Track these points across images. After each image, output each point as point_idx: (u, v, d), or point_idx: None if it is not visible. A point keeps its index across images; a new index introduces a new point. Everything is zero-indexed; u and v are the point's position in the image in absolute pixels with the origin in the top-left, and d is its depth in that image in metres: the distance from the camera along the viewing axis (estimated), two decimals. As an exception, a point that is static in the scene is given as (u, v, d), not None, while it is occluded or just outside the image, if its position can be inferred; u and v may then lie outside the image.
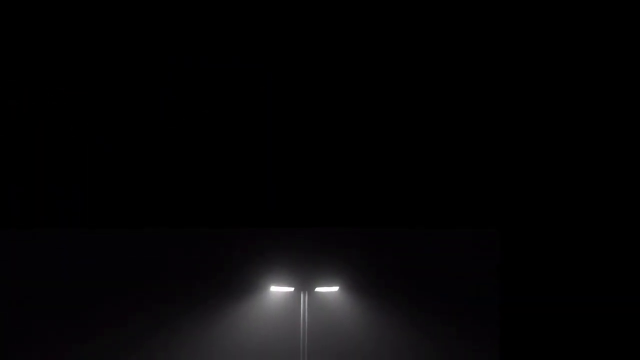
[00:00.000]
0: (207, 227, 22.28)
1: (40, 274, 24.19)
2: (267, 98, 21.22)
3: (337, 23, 21.16)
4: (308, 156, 21.88)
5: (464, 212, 22.17)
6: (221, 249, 25.18)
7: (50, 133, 20.66)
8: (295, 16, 21.16)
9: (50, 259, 24.33)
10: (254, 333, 25.00)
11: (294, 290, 25.01)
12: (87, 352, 24.26)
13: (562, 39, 20.93)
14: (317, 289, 25.05)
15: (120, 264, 24.76)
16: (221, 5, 20.95)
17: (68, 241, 24.20)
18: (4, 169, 20.51)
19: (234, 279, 25.19)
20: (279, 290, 24.93)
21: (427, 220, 22.18)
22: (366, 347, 25.33)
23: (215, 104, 21.62)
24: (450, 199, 21.93)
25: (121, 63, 21.12)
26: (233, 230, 24.28)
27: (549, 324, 21.13)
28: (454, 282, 25.58)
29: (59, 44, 20.95)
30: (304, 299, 24.82)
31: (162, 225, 21.70)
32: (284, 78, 21.52)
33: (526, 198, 21.46)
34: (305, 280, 25.13)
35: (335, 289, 25.13)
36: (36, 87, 20.61)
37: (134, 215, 21.51)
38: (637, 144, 20.19)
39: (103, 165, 20.76)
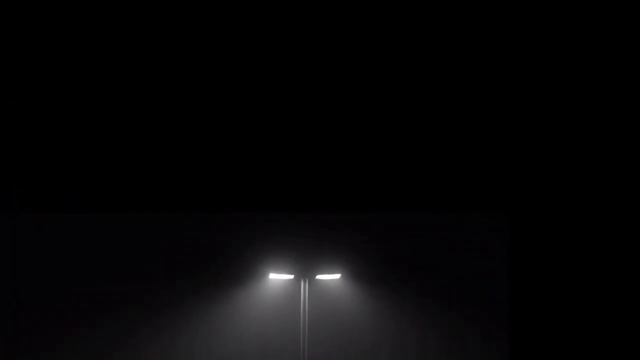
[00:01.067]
0: (203, 211, 22.15)
1: (38, 266, 24.06)
2: (268, 95, 21.58)
3: (334, 22, 20.43)
4: (310, 137, 21.81)
5: (472, 196, 21.91)
6: (218, 235, 24.83)
7: (50, 133, 21.01)
8: (294, 16, 20.79)
9: (47, 248, 24.17)
10: (252, 322, 24.48)
11: (294, 277, 24.47)
12: (81, 340, 23.94)
13: (572, 30, 20.74)
14: (318, 277, 24.45)
15: (115, 250, 24.50)
16: (221, 6, 20.98)
17: (65, 228, 24.16)
18: (4, 169, 20.72)
19: (231, 266, 24.70)
20: (278, 277, 24.37)
21: (435, 205, 21.98)
22: (369, 337, 24.83)
23: (215, 103, 21.79)
24: (459, 183, 21.77)
25: (121, 62, 21.12)
26: (230, 215, 24.40)
27: (558, 319, 20.81)
28: (462, 270, 25.15)
29: (59, 44, 20.97)
30: (304, 287, 24.26)
31: (157, 211, 21.77)
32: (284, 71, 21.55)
33: (537, 184, 21.14)
34: (305, 267, 24.59)
35: (337, 276, 24.47)
36: (36, 87, 20.82)
37: (132, 209, 21.69)
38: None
39: (103, 163, 21.39)
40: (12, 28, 20.70)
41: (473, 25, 20.86)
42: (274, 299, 24.59)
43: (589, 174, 20.76)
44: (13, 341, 23.63)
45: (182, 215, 23.75)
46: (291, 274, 24.39)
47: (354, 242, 24.98)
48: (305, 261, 24.67)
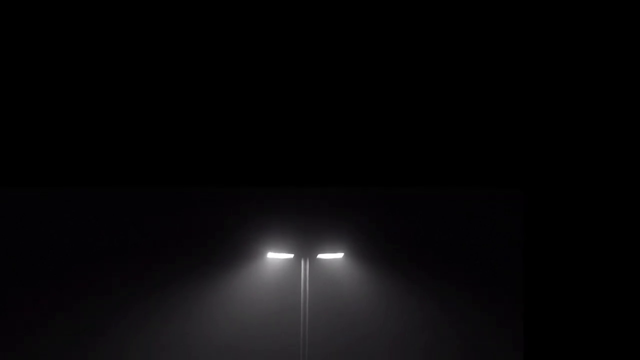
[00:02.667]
0: (197, 185, 20.39)
1: (25, 241, 24.06)
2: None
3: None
4: (312, 100, 20.10)
5: (487, 172, 20.40)
6: (211, 210, 24.25)
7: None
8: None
9: (37, 223, 24.11)
10: (248, 305, 24.27)
11: (294, 257, 23.94)
12: (77, 315, 23.89)
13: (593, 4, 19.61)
14: (320, 256, 23.93)
15: (102, 226, 24.27)
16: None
17: (56, 202, 24.07)
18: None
19: (227, 245, 24.41)
20: (276, 257, 23.86)
21: (447, 180, 20.37)
22: (373, 320, 24.57)
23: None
24: (472, 155, 20.17)
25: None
26: (223, 189, 23.63)
27: (576, 303, 18.76)
28: (474, 248, 24.75)
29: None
30: (304, 266, 23.78)
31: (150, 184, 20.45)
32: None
33: (554, 160, 19.52)
34: (306, 245, 24.11)
35: (339, 255, 23.96)
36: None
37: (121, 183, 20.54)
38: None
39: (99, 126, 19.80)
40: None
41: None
42: (272, 280, 24.31)
43: (606, 150, 19.14)
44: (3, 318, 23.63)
45: (171, 188, 22.93)
46: (291, 253, 23.88)
47: (358, 219, 24.51)
48: (306, 239, 24.24)
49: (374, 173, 20.46)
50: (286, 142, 20.19)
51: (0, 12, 18.78)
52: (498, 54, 19.93)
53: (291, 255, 23.88)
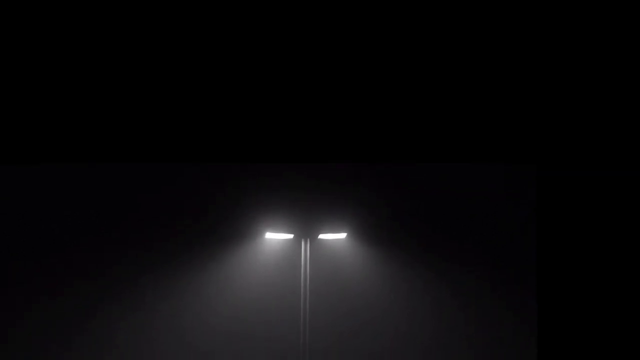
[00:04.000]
0: (191, 160, 21.60)
1: (28, 216, 23.88)
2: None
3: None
4: (315, 71, 21.37)
5: (499, 146, 21.66)
6: (207, 187, 24.09)
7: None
8: None
9: (38, 198, 23.94)
10: (245, 287, 23.87)
11: (294, 237, 23.50)
12: (68, 296, 23.63)
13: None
14: (321, 236, 23.45)
15: (95, 200, 24.05)
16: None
17: (54, 175, 23.91)
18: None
19: (222, 224, 24.04)
20: (275, 237, 23.45)
21: (457, 155, 21.74)
22: (378, 304, 24.19)
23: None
24: (484, 131, 21.54)
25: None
26: (219, 165, 23.75)
27: (591, 278, 20.21)
28: (486, 226, 24.45)
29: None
30: (305, 247, 23.27)
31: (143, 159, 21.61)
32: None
33: (565, 134, 20.91)
34: (306, 225, 23.72)
35: (342, 235, 23.50)
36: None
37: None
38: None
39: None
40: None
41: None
42: (270, 262, 23.91)
43: (619, 125, 20.61)
44: (9, 293, 23.49)
45: (162, 164, 23.18)
46: (290, 233, 23.43)
47: (362, 197, 24.17)
48: (307, 218, 23.84)
49: (381, 148, 22.12)
50: (286, 114, 21.75)
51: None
52: (512, 32, 21.10)
53: (291, 236, 23.47)
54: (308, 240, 23.37)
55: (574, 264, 20.24)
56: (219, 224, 23.98)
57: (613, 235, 20.22)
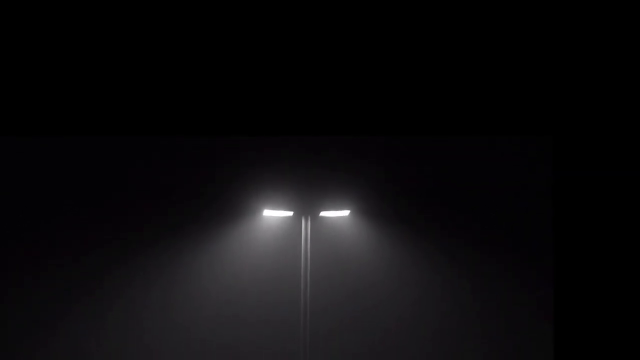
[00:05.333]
0: (186, 134, 21.28)
1: (26, 189, 23.80)
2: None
3: None
4: (318, 38, 21.28)
5: (514, 118, 21.44)
6: (202, 162, 24.07)
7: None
8: None
9: (31, 172, 23.84)
10: (242, 268, 23.82)
11: (293, 214, 23.41)
12: (57, 276, 23.55)
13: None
14: (322, 214, 23.32)
15: (86, 176, 23.92)
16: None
17: (36, 149, 23.79)
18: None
19: (219, 200, 23.96)
20: (274, 215, 23.33)
21: (470, 127, 21.49)
22: (383, 285, 24.09)
23: None
24: (499, 102, 21.36)
25: None
26: (214, 138, 23.94)
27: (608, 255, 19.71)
28: (497, 204, 24.36)
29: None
30: (305, 225, 23.12)
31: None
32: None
33: (582, 106, 20.63)
34: (307, 202, 23.61)
35: (345, 213, 23.36)
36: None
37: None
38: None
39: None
40: None
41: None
42: (269, 241, 23.92)
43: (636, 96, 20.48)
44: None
45: (153, 136, 23.25)
46: (290, 210, 23.36)
47: (366, 172, 24.20)
48: (307, 195, 23.82)
49: (387, 120, 21.63)
50: (285, 83, 21.27)
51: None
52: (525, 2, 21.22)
53: (290, 213, 23.34)
54: (309, 218, 23.17)
55: (594, 244, 19.72)
56: (213, 201, 23.94)
57: (638, 213, 19.91)
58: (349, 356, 23.68)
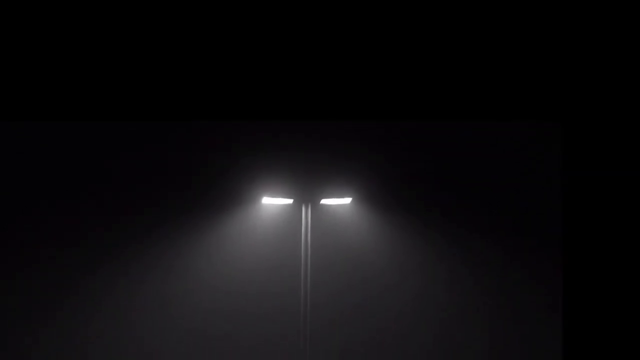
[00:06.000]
0: (181, 118, 21.54)
1: (20, 174, 23.76)
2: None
3: None
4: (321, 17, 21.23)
5: (523, 104, 21.51)
6: (198, 147, 23.95)
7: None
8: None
9: (29, 157, 23.81)
10: (240, 257, 23.80)
11: (293, 202, 23.35)
12: (47, 266, 23.52)
13: None
14: (324, 201, 23.30)
15: (76, 160, 23.81)
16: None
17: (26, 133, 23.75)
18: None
19: (216, 187, 23.87)
20: (273, 202, 23.30)
21: (479, 112, 21.60)
22: (386, 275, 23.96)
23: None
24: (508, 88, 21.48)
25: None
26: (208, 123, 23.77)
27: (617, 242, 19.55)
28: (504, 191, 24.25)
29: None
30: (305, 213, 23.01)
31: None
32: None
33: (591, 92, 20.63)
34: (307, 189, 23.50)
35: (346, 200, 23.33)
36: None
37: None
38: None
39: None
40: None
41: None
42: (268, 229, 23.81)
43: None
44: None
45: (146, 120, 23.23)
46: (289, 197, 23.24)
47: (369, 158, 24.11)
48: (308, 182, 23.74)
49: (390, 104, 21.60)
50: (285, 66, 21.18)
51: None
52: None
53: (290, 201, 23.28)
54: (309, 205, 23.08)
55: (605, 232, 19.53)
56: (210, 189, 23.91)
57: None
58: (350, 348, 23.56)
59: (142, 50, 20.95)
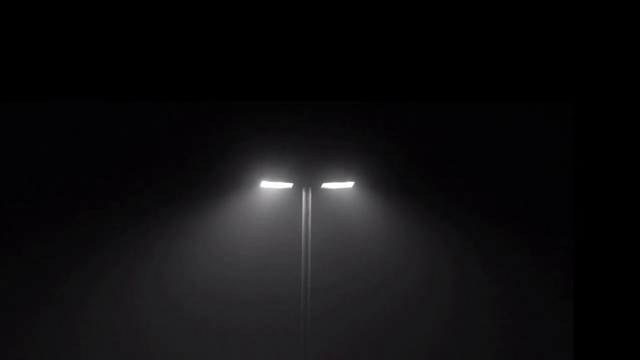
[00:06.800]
0: (176, 98, 21.73)
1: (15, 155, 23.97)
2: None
3: None
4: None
5: (534, 83, 21.51)
6: (194, 129, 23.92)
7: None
8: None
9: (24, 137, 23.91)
10: (238, 244, 23.79)
11: (293, 186, 23.07)
12: (37, 252, 23.53)
13: None
14: (325, 185, 23.00)
15: (65, 139, 23.82)
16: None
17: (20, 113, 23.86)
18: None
19: (212, 171, 23.93)
20: (272, 187, 23.06)
21: (490, 92, 21.65)
22: (390, 263, 23.85)
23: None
24: (519, 67, 21.45)
25: None
26: (210, 104, 23.82)
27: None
28: (513, 174, 24.15)
29: None
30: (306, 198, 22.58)
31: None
32: None
33: (603, 71, 20.58)
34: (308, 172, 23.14)
35: (348, 184, 23.03)
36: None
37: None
38: None
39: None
40: None
41: None
42: (266, 215, 23.78)
43: None
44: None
45: (141, 100, 22.96)
46: (289, 181, 22.93)
47: (372, 140, 24.13)
48: (308, 165, 23.72)
49: (395, 84, 21.60)
50: (285, 44, 21.25)
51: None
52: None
53: (290, 185, 23.00)
54: (310, 190, 22.78)
55: (617, 216, 19.31)
56: (206, 172, 23.96)
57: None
58: (352, 337, 23.48)
59: (136, 28, 20.89)
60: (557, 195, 23.74)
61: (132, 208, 23.70)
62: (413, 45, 21.43)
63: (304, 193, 22.83)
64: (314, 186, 23.28)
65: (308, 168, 23.62)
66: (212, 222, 23.61)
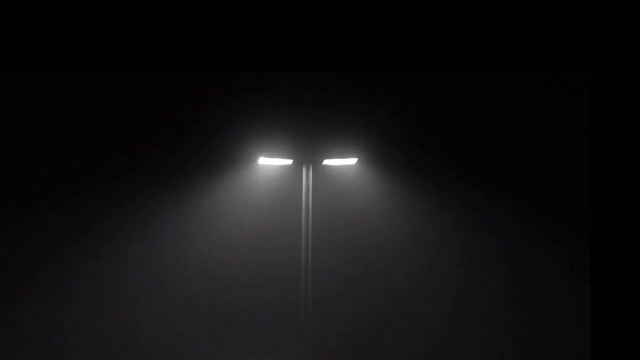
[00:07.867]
0: (170, 70, 21.76)
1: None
2: None
3: None
4: None
5: (551, 53, 21.64)
6: (189, 103, 23.63)
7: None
8: None
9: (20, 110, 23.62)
10: (235, 223, 23.50)
11: (293, 163, 22.65)
12: (25, 233, 23.10)
13: None
14: (326, 162, 22.64)
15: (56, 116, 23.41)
16: None
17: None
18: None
19: (208, 146, 23.74)
20: (271, 163, 22.66)
21: (504, 63, 21.75)
22: (396, 244, 23.55)
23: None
24: (535, 37, 21.64)
25: None
26: (205, 75, 23.60)
27: None
28: (526, 150, 23.86)
29: None
30: (306, 175, 22.27)
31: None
32: None
33: (622, 40, 20.10)
34: (309, 148, 22.86)
35: (351, 161, 22.67)
36: None
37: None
38: None
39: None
40: None
41: None
42: (265, 193, 23.60)
43: None
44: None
45: (132, 72, 22.94)
46: (289, 158, 22.61)
47: (376, 114, 23.85)
48: (309, 141, 23.61)
49: (400, 55, 21.76)
50: (284, 13, 21.35)
51: None
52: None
53: (290, 161, 22.66)
54: (310, 166, 22.44)
55: (635, 193, 18.99)
56: (201, 147, 23.81)
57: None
58: (354, 322, 23.36)
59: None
60: (573, 172, 23.30)
61: (122, 186, 23.22)
62: (421, 12, 21.09)
63: (304, 170, 22.59)
64: (315, 163, 22.84)
65: (309, 143, 23.45)
66: (207, 199, 23.37)
